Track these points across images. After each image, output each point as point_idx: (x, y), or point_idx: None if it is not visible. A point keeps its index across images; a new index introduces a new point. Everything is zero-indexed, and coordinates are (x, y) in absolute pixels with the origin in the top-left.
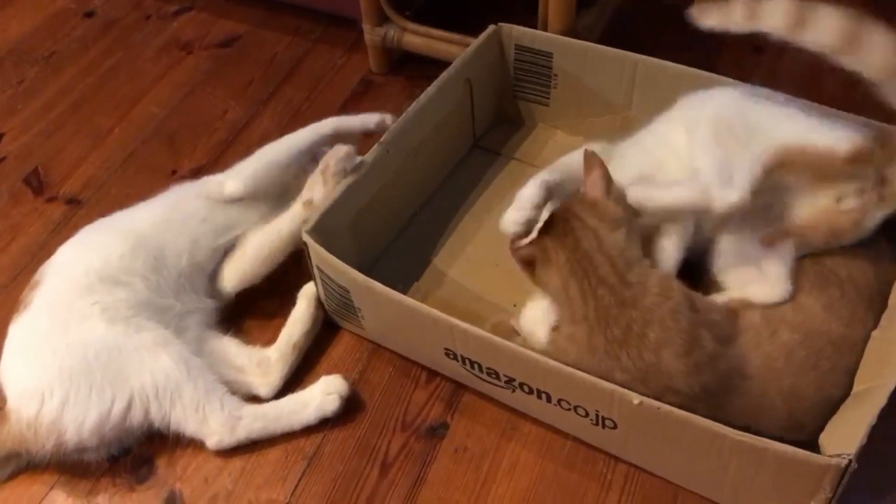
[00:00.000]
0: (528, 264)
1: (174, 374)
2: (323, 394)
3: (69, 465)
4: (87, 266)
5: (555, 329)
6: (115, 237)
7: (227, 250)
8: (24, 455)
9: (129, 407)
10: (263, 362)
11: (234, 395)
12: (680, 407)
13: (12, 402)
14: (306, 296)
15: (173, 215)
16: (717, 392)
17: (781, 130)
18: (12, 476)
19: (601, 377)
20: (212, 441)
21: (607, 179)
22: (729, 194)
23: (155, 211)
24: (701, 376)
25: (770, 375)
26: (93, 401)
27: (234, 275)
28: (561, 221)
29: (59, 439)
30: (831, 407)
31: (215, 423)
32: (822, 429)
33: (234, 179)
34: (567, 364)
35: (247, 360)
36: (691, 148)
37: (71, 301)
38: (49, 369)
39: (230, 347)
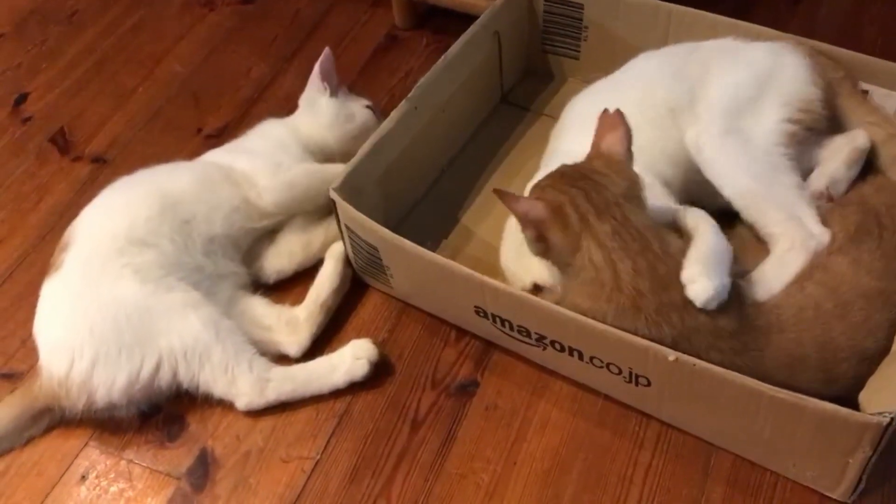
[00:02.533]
0: (542, 224)
1: (203, 335)
2: (353, 358)
3: (102, 422)
4: (115, 229)
5: (568, 289)
6: (142, 199)
7: (265, 232)
8: (56, 411)
9: (157, 368)
10: (292, 321)
11: (263, 355)
12: (720, 364)
13: (44, 360)
14: (334, 255)
15: (205, 192)
16: (757, 347)
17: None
18: (47, 431)
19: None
20: (241, 402)
21: (629, 140)
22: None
23: (185, 178)
24: (744, 335)
25: (802, 326)
26: (122, 362)
27: (273, 271)
28: (582, 181)
29: (89, 398)
30: (867, 360)
31: (244, 384)
32: (856, 382)
33: (273, 194)
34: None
35: (275, 319)
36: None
37: (102, 263)
38: (80, 330)
39: (259, 307)
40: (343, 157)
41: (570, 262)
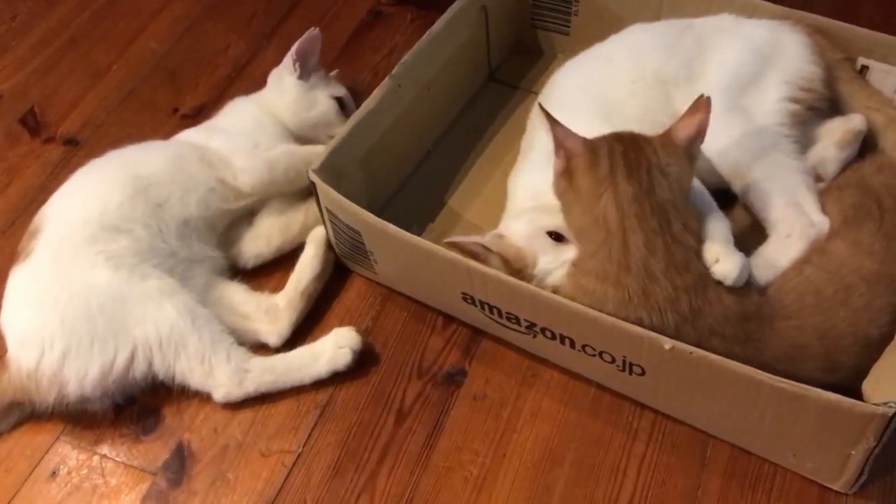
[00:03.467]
0: (574, 157)
1: (179, 324)
2: (334, 347)
3: (74, 416)
4: (87, 215)
5: (575, 265)
6: (114, 183)
7: (240, 214)
8: (26, 405)
9: (131, 359)
10: (271, 309)
11: (241, 345)
12: (720, 354)
13: (13, 352)
14: (315, 239)
15: (179, 174)
16: (759, 337)
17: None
18: (17, 425)
19: (630, 321)
20: (218, 394)
21: (700, 130)
22: None
23: (157, 159)
24: (749, 323)
25: (804, 313)
26: (95, 353)
27: (251, 255)
28: (629, 141)
29: (60, 391)
30: (869, 346)
31: (222, 375)
32: (858, 370)
33: (250, 175)
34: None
35: (254, 307)
36: None
37: (74, 251)
38: (50, 320)
39: (237, 294)
40: (317, 141)
41: (584, 218)
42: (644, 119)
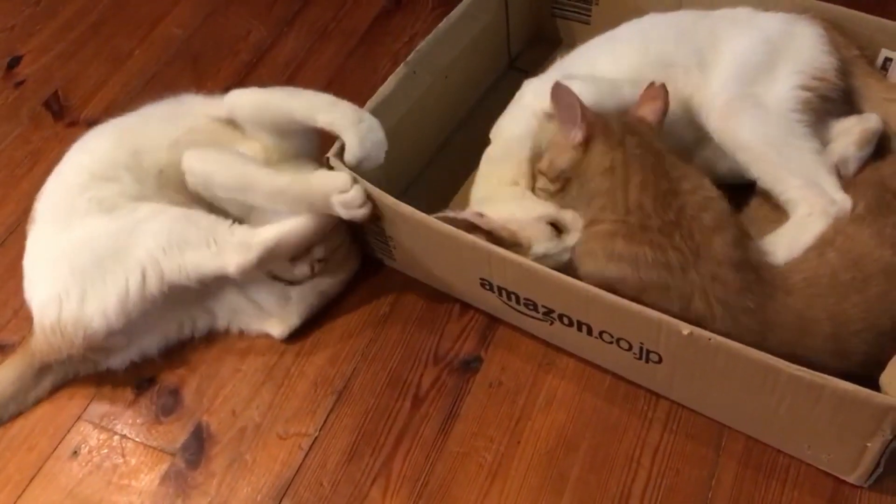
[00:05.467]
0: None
1: (174, 226)
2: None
3: (96, 395)
4: (79, 165)
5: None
6: (104, 134)
7: None
8: (56, 367)
9: (143, 278)
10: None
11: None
12: (722, 301)
13: (35, 314)
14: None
15: (158, 113)
16: (761, 292)
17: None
18: (53, 391)
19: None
20: (232, 268)
21: (663, 115)
22: None
23: (144, 110)
24: (748, 272)
25: (814, 291)
26: (108, 286)
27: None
28: (625, 119)
29: (86, 333)
30: (881, 337)
31: (230, 249)
32: (868, 360)
33: (232, 101)
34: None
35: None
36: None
37: (69, 201)
38: (61, 272)
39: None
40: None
41: (595, 177)
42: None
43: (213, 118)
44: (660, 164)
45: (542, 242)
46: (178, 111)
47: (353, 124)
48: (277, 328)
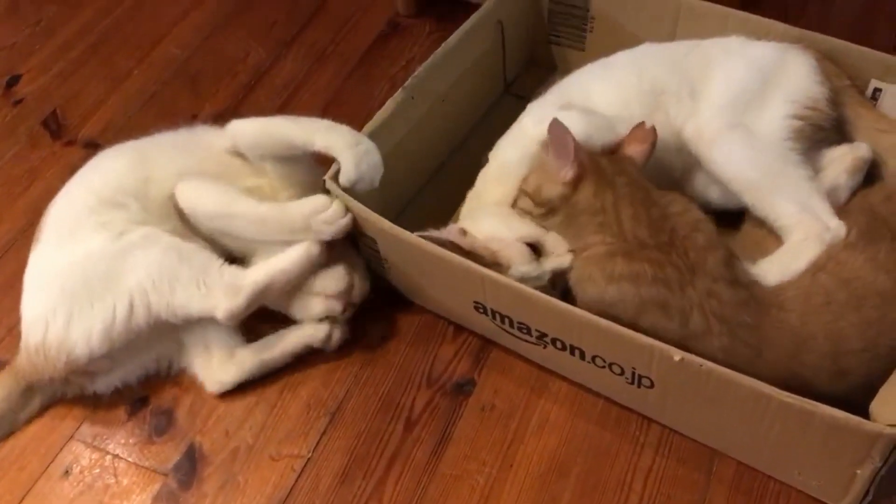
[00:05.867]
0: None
1: (166, 260)
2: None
3: (88, 415)
4: (89, 187)
5: (587, 249)
6: (118, 158)
7: None
8: (43, 387)
9: (130, 308)
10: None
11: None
12: (718, 315)
13: (23, 333)
14: None
15: (171, 142)
16: (756, 310)
17: None
18: (43, 410)
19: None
20: (221, 312)
21: (648, 159)
22: None
23: (159, 138)
24: (741, 289)
25: (808, 308)
26: (96, 312)
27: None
28: (615, 160)
29: (69, 357)
30: (878, 358)
31: (219, 292)
32: (866, 382)
33: (234, 130)
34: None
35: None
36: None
37: (74, 222)
38: (52, 293)
39: None
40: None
41: (587, 215)
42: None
43: (221, 150)
44: (648, 195)
45: (520, 265)
46: (190, 141)
47: (349, 147)
48: (210, 380)
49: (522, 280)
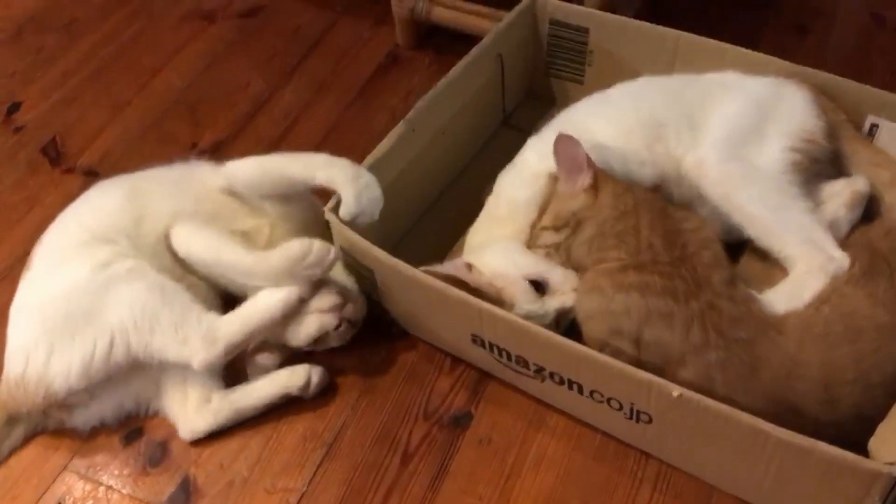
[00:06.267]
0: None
1: (150, 300)
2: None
3: (81, 447)
4: (82, 221)
5: (599, 263)
6: (113, 194)
7: None
8: (24, 419)
9: (111, 345)
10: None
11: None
12: (716, 328)
13: (6, 365)
14: None
15: (167, 178)
16: (753, 328)
17: None
18: (25, 443)
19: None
20: (197, 362)
21: None
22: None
23: (155, 174)
24: (739, 329)
25: (805, 336)
26: (76, 346)
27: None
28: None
29: (47, 391)
30: (871, 390)
31: (195, 340)
32: (857, 413)
33: (230, 172)
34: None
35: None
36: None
37: (64, 254)
38: (35, 325)
39: None
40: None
41: (609, 220)
42: (633, 160)
43: (217, 189)
44: (664, 207)
45: (525, 304)
46: (186, 179)
47: (351, 180)
48: (184, 428)
49: (527, 318)
